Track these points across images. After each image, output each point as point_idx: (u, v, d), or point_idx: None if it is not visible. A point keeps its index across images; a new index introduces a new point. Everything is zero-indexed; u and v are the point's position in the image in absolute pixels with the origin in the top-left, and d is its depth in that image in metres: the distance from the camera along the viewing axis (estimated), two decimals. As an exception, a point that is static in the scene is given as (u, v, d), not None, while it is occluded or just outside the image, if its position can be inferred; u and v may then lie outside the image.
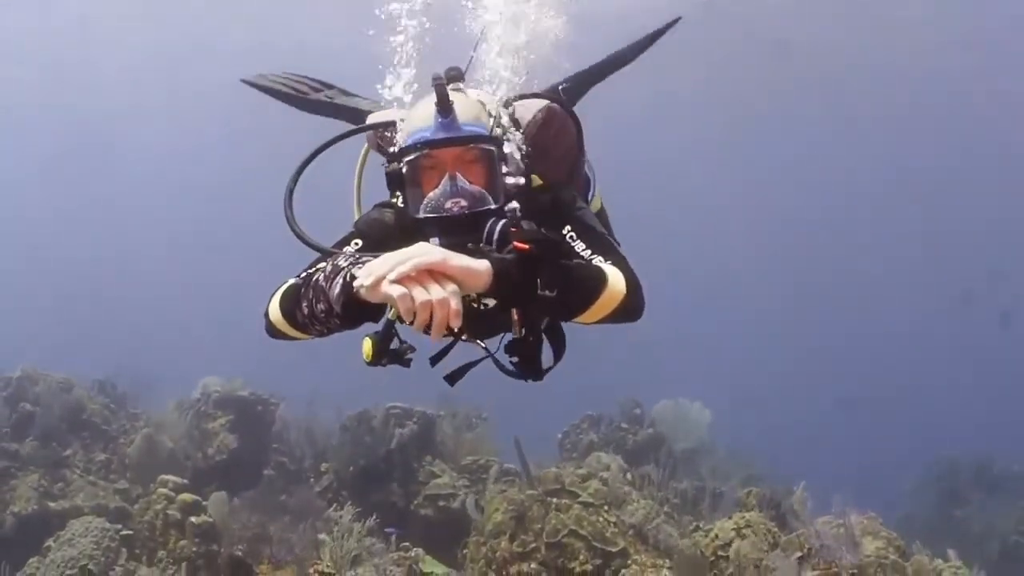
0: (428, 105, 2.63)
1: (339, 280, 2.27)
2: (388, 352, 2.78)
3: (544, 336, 2.90)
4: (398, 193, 2.87)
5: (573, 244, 2.70)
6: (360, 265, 2.23)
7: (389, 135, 2.95)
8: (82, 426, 12.53)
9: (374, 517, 9.38)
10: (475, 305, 2.77)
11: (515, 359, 2.86)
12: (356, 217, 3.21)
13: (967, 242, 41.24)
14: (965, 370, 42.60)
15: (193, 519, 9.01)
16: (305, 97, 3.94)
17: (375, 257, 2.22)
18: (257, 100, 4.01)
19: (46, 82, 29.82)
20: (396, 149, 2.74)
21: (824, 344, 44.95)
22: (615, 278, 2.49)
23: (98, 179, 41.69)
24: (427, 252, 2.12)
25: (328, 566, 6.81)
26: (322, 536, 8.83)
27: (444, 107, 2.56)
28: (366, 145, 3.41)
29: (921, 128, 30.55)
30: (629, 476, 9.82)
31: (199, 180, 41.91)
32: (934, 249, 42.17)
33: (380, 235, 2.80)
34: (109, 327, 38.13)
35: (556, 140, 3.14)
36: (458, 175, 2.59)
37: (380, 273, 2.09)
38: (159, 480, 9.64)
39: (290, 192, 2.72)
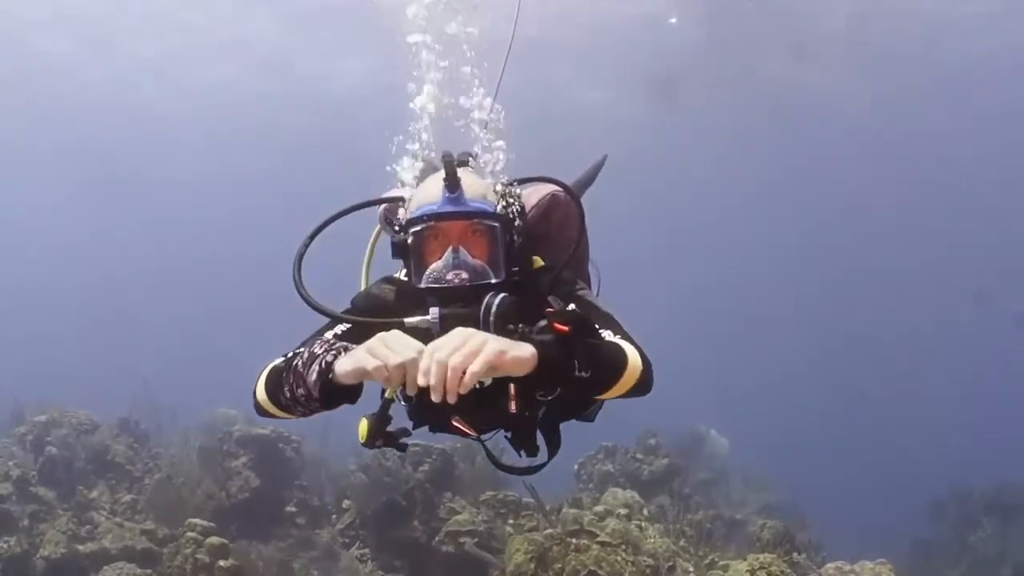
0: (437, 181, 2.71)
1: (315, 367, 2.33)
2: (384, 434, 2.85)
3: (541, 430, 2.98)
4: (402, 268, 2.94)
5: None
6: (335, 352, 2.33)
7: (399, 210, 2.99)
8: (107, 467, 12.79)
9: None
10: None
11: (510, 435, 2.98)
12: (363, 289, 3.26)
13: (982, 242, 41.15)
14: (981, 386, 42.41)
15: (221, 563, 9.25)
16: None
17: (349, 345, 2.34)
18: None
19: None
20: (404, 220, 2.80)
21: (838, 360, 44.85)
22: (633, 355, 2.56)
23: (118, 210, 42.13)
24: (478, 340, 2.13)
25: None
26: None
27: (452, 182, 2.64)
28: (377, 228, 3.41)
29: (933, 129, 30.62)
30: (646, 512, 9.99)
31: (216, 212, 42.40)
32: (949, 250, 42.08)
33: (371, 313, 2.82)
34: (122, 358, 38.40)
35: (560, 226, 3.21)
36: (461, 248, 2.65)
37: (441, 358, 2.08)
38: (187, 524, 9.85)
39: (300, 257, 2.76)
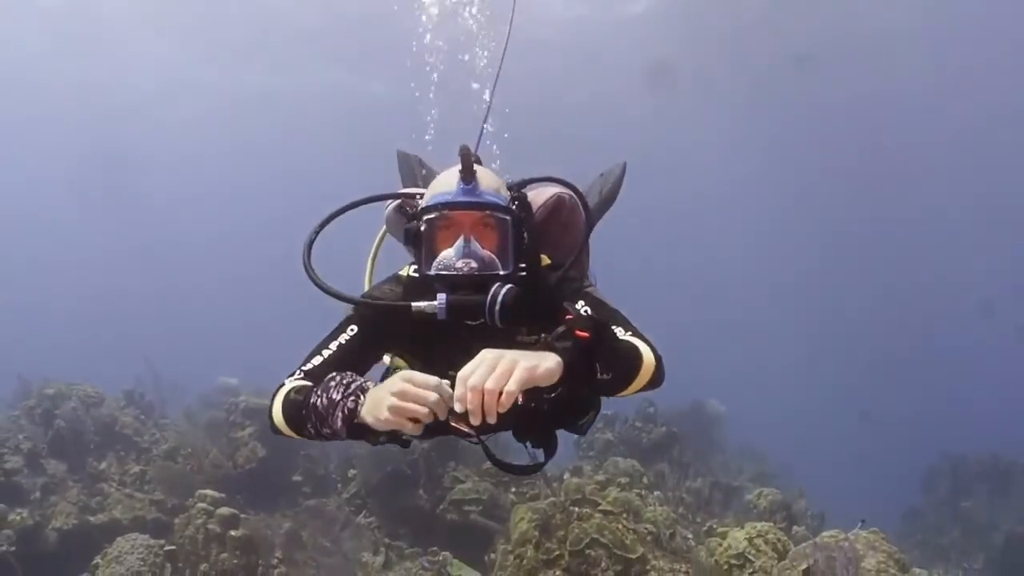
0: (452, 172, 2.77)
1: (339, 414, 2.44)
2: (387, 432, 3.08)
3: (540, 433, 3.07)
4: (407, 266, 3.01)
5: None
6: (354, 396, 2.43)
7: (414, 201, 3.04)
8: (115, 439, 12.95)
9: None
10: None
11: (523, 434, 3.04)
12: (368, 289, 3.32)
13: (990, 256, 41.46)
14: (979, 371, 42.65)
15: (232, 532, 9.44)
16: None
17: (364, 385, 2.45)
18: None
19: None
20: (416, 209, 2.85)
21: (838, 342, 45.02)
22: (647, 352, 2.66)
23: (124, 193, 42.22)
24: (508, 361, 2.20)
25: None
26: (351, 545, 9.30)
27: (468, 174, 2.71)
28: (383, 229, 3.50)
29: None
30: (645, 480, 10.19)
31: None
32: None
33: (374, 319, 2.88)
34: (125, 329, 38.59)
35: (565, 226, 3.30)
36: (472, 238, 2.70)
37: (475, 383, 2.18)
38: (197, 495, 10.03)
39: (309, 245, 2.81)
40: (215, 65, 28.07)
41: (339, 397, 2.47)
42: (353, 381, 2.50)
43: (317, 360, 2.84)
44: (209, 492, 10.06)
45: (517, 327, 2.73)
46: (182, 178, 39.74)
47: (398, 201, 3.26)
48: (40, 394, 13.32)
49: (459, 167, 2.74)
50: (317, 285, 2.75)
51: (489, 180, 2.80)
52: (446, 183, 2.78)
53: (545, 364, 2.23)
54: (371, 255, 3.48)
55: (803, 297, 46.28)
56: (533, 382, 2.20)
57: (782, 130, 30.55)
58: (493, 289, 2.62)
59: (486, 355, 2.22)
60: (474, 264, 2.67)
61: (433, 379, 2.30)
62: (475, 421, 2.20)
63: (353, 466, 12.13)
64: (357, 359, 2.87)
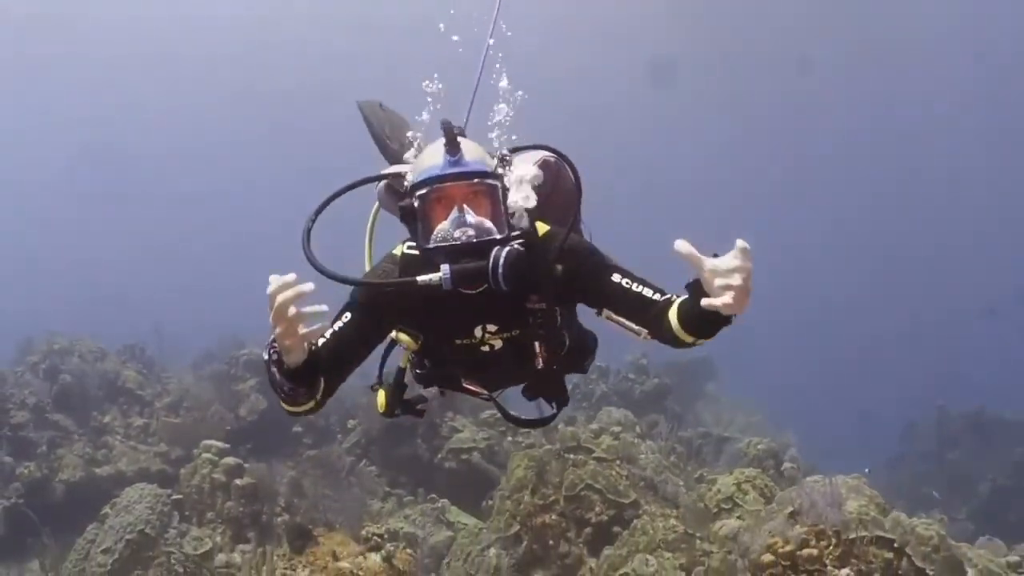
0: (437, 147, 2.84)
1: (273, 369, 2.60)
2: (401, 403, 3.19)
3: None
4: (401, 242, 3.05)
5: (638, 290, 2.87)
6: (270, 346, 2.59)
7: (403, 183, 3.07)
8: (118, 393, 13.22)
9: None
10: (482, 348, 3.01)
11: (538, 391, 3.25)
12: (367, 271, 3.37)
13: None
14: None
15: (238, 481, 9.71)
16: (384, 143, 3.99)
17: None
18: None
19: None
20: (407, 186, 2.91)
21: (831, 302, 45.29)
22: None
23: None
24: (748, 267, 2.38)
25: (377, 529, 7.44)
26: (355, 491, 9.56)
27: (452, 147, 2.78)
28: (376, 205, 3.55)
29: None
30: (638, 429, 10.44)
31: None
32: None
33: (372, 304, 2.94)
34: (123, 288, 38.78)
35: (556, 187, 3.34)
36: (466, 207, 2.76)
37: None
38: (202, 445, 10.26)
39: (307, 232, 2.85)
40: None
41: (267, 357, 2.63)
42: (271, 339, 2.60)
43: (320, 342, 2.88)
44: (214, 443, 10.30)
45: (524, 292, 2.88)
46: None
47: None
48: (44, 350, 13.54)
49: (443, 141, 2.81)
50: (319, 270, 2.77)
51: (473, 151, 2.87)
52: (432, 157, 2.85)
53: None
54: (368, 234, 3.53)
55: (802, 263, 46.52)
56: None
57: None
58: (494, 253, 2.72)
59: (723, 262, 2.40)
60: (471, 232, 2.74)
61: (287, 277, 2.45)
62: (730, 310, 2.41)
63: (353, 417, 12.36)
64: (357, 343, 2.96)
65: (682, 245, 2.42)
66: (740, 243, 2.37)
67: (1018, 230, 42.87)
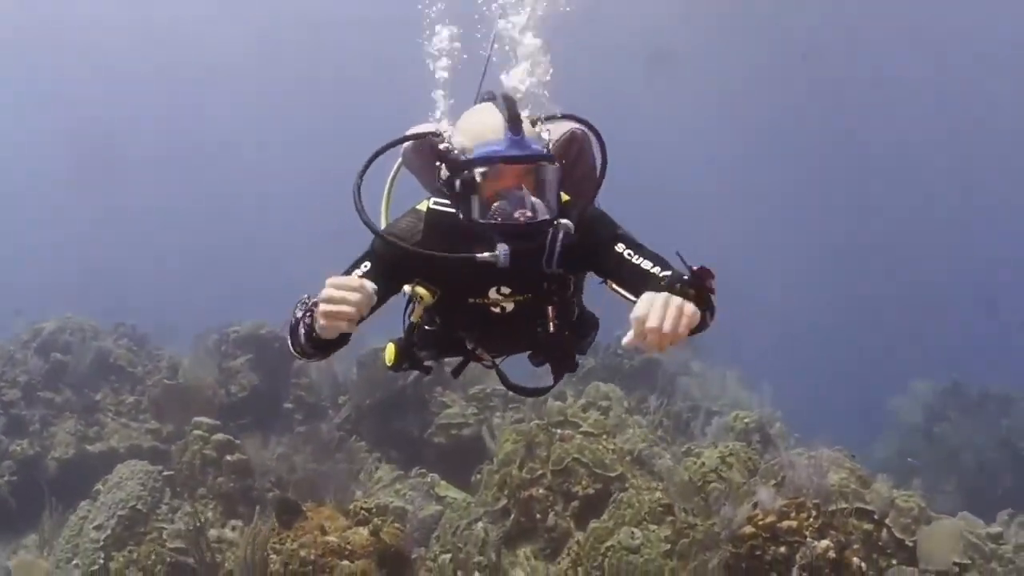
0: (491, 119, 2.87)
1: (301, 330, 2.66)
2: (410, 357, 3.24)
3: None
4: (425, 200, 3.06)
5: (636, 261, 2.89)
6: (310, 312, 2.58)
7: (443, 142, 3.04)
8: (110, 370, 13.23)
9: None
10: (494, 309, 3.06)
11: (549, 355, 3.25)
12: (387, 225, 3.36)
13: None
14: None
15: (228, 457, 9.80)
16: None
17: (308, 299, 2.63)
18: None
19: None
20: (465, 158, 2.86)
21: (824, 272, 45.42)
22: None
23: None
24: (677, 306, 2.28)
25: (365, 503, 7.52)
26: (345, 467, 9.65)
27: (515, 126, 2.79)
28: (399, 161, 3.56)
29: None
30: (626, 404, 10.52)
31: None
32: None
33: (392, 258, 2.93)
34: (118, 272, 38.84)
35: (579, 160, 3.36)
36: (524, 188, 2.80)
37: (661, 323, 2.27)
38: (193, 422, 10.33)
39: (358, 188, 2.88)
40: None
41: (301, 315, 2.67)
42: (313, 298, 2.62)
43: None
44: (204, 420, 10.37)
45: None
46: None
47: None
48: (36, 328, 13.55)
49: (502, 115, 2.83)
50: (374, 231, 2.90)
51: (530, 129, 2.88)
52: (491, 131, 2.85)
53: (695, 310, 2.35)
54: (387, 190, 3.58)
55: (800, 244, 46.67)
56: (691, 326, 2.33)
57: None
58: (550, 235, 2.81)
59: (655, 299, 2.31)
60: (529, 213, 2.77)
61: (355, 280, 2.49)
62: (650, 352, 2.38)
63: (344, 393, 12.43)
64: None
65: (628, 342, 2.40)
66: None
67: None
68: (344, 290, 2.44)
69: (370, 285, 2.49)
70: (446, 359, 3.43)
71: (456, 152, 2.91)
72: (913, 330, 37.90)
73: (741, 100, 31.74)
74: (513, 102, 2.85)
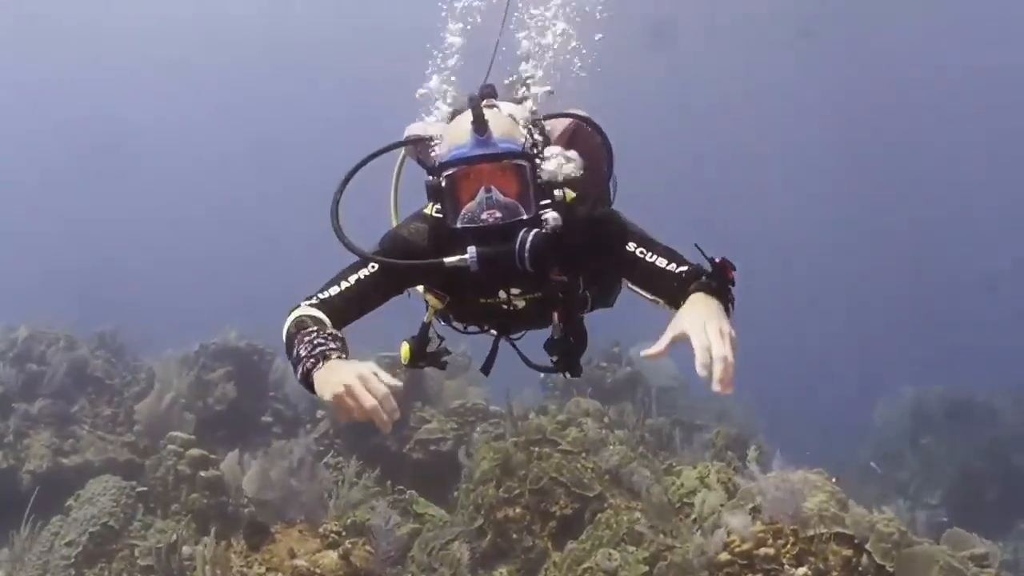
0: (465, 122, 2.82)
1: (300, 368, 2.56)
2: (425, 355, 3.24)
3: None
4: (433, 204, 3.01)
5: (651, 259, 2.87)
6: (315, 359, 2.52)
7: (430, 148, 3.07)
8: (87, 381, 13.02)
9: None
10: (505, 307, 3.07)
11: (555, 357, 3.23)
12: (393, 222, 3.43)
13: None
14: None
15: (202, 473, 9.65)
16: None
17: (327, 351, 2.53)
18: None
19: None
20: (436, 164, 2.90)
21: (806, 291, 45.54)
22: None
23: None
24: (728, 329, 2.31)
25: (335, 526, 7.40)
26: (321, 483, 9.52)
27: (479, 126, 2.76)
28: (402, 153, 3.57)
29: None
30: (606, 419, 10.40)
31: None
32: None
33: (402, 255, 2.94)
34: (99, 283, 38.65)
35: (581, 153, 3.23)
36: (493, 188, 2.76)
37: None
38: (168, 437, 10.21)
39: (336, 203, 2.87)
40: None
41: (304, 354, 2.58)
42: (322, 344, 2.59)
43: (334, 290, 2.92)
44: (179, 434, 10.25)
45: (546, 268, 2.89)
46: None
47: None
48: (10, 338, 13.35)
49: (471, 116, 2.79)
50: (348, 247, 2.87)
51: (502, 125, 2.85)
52: (460, 134, 2.84)
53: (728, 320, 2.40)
54: (393, 187, 3.59)
55: (790, 236, 46.75)
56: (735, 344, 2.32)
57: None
58: (520, 236, 2.74)
59: (709, 325, 2.29)
60: (498, 214, 2.76)
61: (383, 388, 2.37)
62: (725, 390, 2.26)
63: (322, 407, 12.28)
64: (373, 294, 2.98)
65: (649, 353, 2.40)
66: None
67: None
68: (371, 392, 2.35)
69: (391, 402, 2.39)
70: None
71: (433, 158, 2.97)
72: (900, 336, 38.05)
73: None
74: (478, 103, 2.80)
